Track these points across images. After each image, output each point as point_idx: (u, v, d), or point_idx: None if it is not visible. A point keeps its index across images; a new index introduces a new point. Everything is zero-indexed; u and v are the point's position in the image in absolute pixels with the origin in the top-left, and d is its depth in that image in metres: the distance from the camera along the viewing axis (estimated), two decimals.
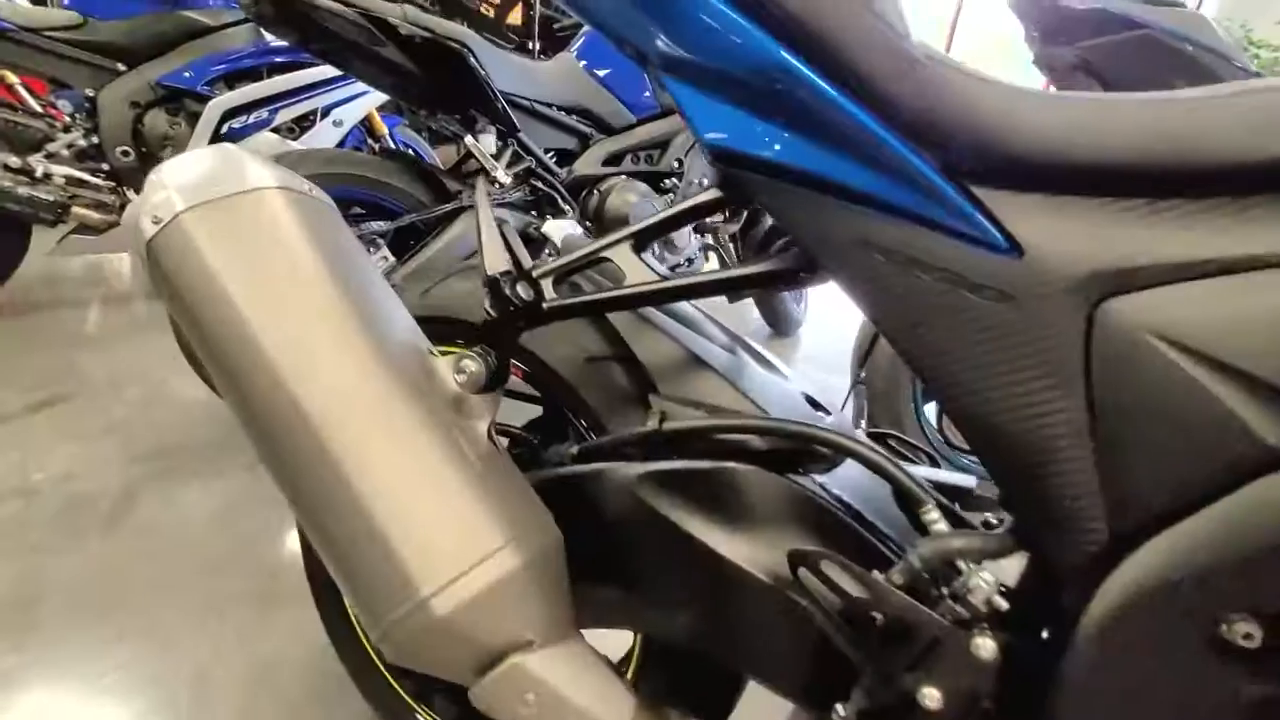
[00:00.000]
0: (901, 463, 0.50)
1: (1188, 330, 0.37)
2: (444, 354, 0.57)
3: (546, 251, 1.06)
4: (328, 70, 2.45)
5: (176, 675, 1.00)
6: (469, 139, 1.58)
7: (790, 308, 2.66)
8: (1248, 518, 0.36)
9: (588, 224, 1.83)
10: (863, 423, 0.99)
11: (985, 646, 0.41)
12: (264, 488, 1.46)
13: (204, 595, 1.16)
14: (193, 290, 0.49)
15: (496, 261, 0.52)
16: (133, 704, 0.95)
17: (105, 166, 2.26)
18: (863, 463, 0.49)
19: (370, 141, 2.75)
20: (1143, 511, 0.39)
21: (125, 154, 2.25)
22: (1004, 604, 0.43)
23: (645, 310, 0.64)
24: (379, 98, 2.62)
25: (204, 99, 2.28)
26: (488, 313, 0.52)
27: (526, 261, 0.53)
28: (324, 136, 2.40)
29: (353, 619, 0.86)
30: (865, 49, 0.41)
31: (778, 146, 0.47)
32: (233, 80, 2.36)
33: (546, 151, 1.77)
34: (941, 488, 0.55)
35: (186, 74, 2.28)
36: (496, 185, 1.57)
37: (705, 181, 1.85)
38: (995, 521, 0.53)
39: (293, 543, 1.31)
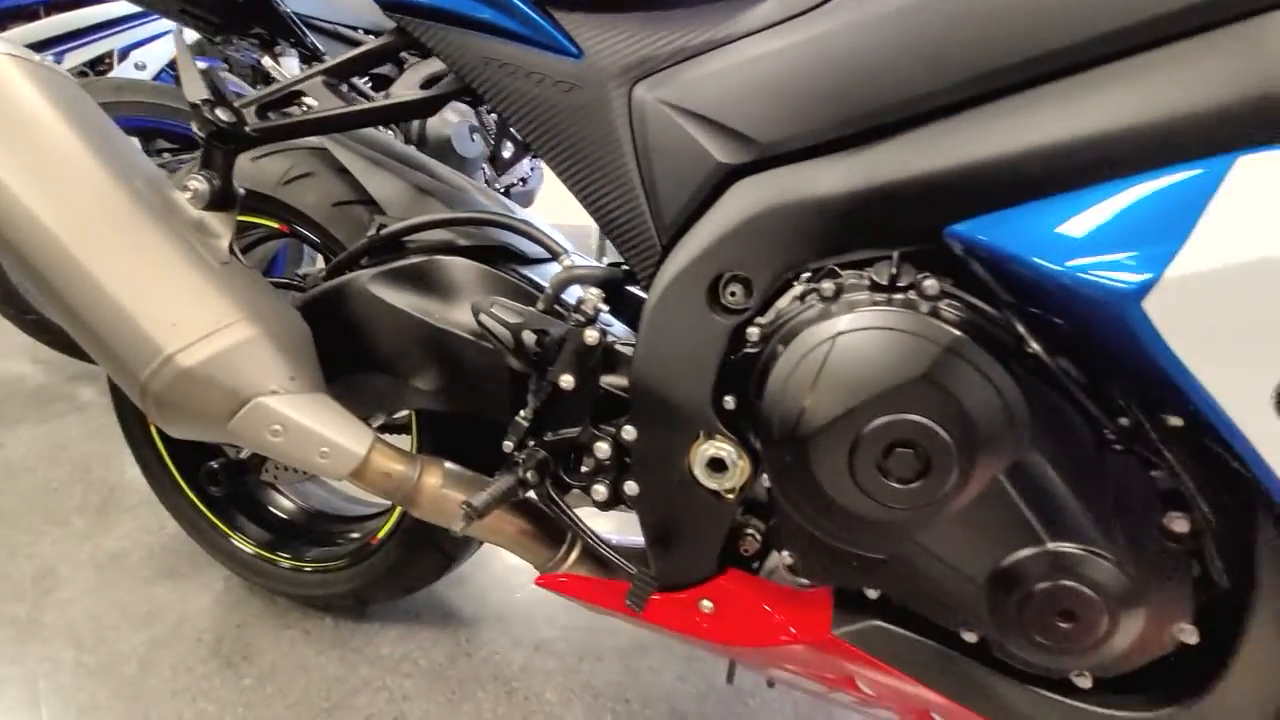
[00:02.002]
0: (553, 237, 0.67)
1: (677, 95, 0.56)
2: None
3: None
4: (119, 7, 2.29)
5: (20, 572, 1.06)
6: (266, 60, 1.59)
7: None
8: (710, 216, 0.56)
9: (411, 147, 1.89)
10: (604, 258, 1.19)
11: (591, 335, 0.60)
12: (94, 423, 1.48)
13: (43, 512, 1.20)
14: None
15: (196, 90, 0.63)
16: None
17: None
18: (513, 230, 0.67)
19: None
20: (672, 227, 0.58)
21: None
22: (604, 307, 0.62)
23: (381, 158, 0.78)
24: (188, 37, 2.48)
25: None
26: (198, 136, 0.63)
27: (227, 93, 0.64)
28: None
29: (177, 479, 0.96)
30: None
31: None
32: (4, 20, 2.16)
33: (362, 78, 1.80)
34: None
35: None
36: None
37: None
38: None
39: (129, 463, 1.35)
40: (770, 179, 0.54)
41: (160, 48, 2.33)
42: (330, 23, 1.72)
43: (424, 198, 0.75)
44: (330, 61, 0.67)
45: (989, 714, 0.51)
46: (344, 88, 0.72)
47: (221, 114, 0.62)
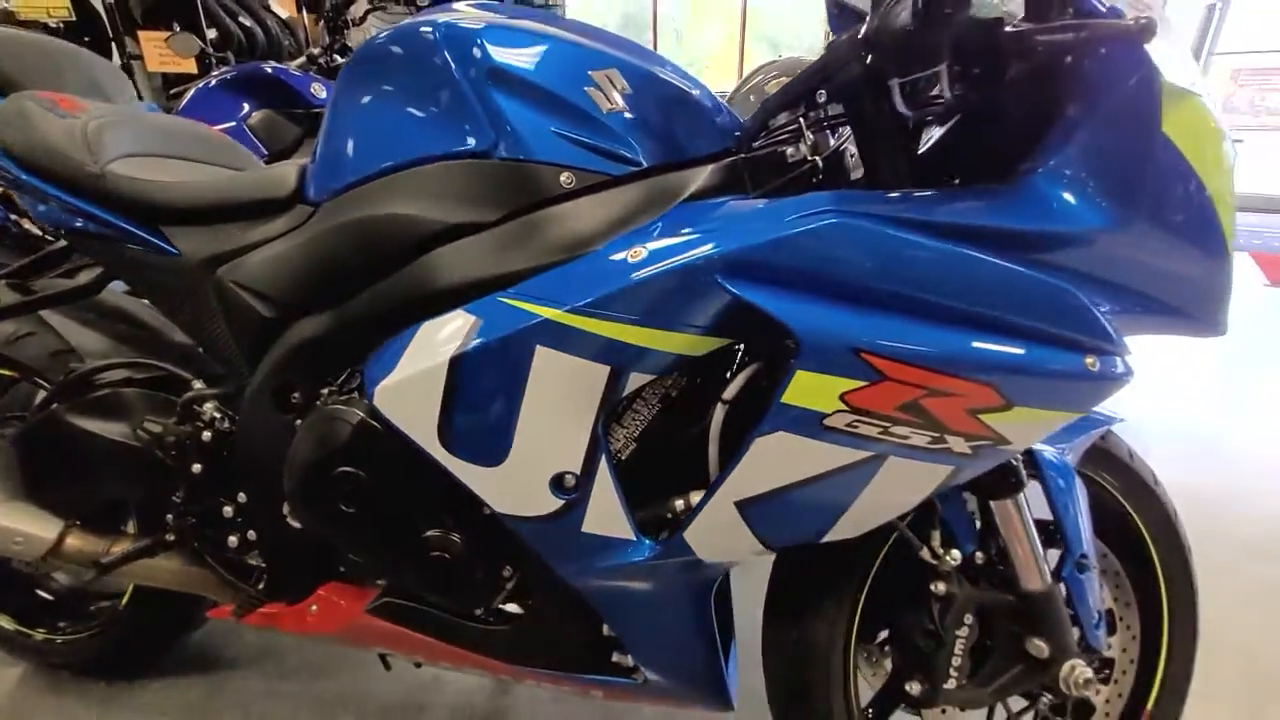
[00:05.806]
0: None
1: (239, 276, 0.87)
2: None
3: None
4: None
5: None
6: None
7: None
8: (270, 351, 0.86)
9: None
10: None
11: (205, 436, 0.90)
12: None
13: None
14: None
15: None
16: None
17: None
18: (159, 369, 0.96)
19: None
20: (251, 359, 0.89)
21: None
22: (221, 415, 0.92)
23: (85, 315, 1.06)
24: None
25: None
26: None
27: None
28: None
29: None
30: (67, 173, 0.87)
31: (74, 221, 0.91)
32: None
33: None
34: None
35: None
36: None
37: None
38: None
39: None
40: (295, 327, 0.85)
41: None
42: None
43: (118, 344, 1.03)
44: (13, 265, 0.96)
45: (445, 639, 0.82)
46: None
47: None
